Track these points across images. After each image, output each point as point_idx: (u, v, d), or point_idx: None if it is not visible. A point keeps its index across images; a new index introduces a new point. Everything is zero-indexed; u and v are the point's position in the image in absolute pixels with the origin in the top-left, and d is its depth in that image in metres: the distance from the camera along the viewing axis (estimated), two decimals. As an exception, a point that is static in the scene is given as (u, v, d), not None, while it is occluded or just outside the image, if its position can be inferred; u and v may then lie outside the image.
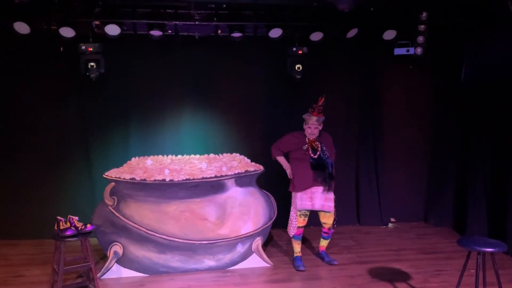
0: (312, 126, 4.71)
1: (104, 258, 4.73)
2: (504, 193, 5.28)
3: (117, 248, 4.53)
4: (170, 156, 5.08)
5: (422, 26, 5.59)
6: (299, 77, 5.76)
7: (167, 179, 4.51)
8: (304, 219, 4.82)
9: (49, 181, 5.69)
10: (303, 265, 4.87)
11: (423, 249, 5.45)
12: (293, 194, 4.86)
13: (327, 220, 4.85)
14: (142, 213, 4.55)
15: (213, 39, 5.65)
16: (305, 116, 4.77)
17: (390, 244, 5.65)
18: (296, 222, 4.79)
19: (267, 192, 5.03)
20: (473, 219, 5.73)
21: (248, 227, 4.80)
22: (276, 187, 5.35)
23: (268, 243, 5.44)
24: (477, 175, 5.74)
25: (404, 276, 4.62)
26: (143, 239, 4.56)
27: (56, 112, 5.68)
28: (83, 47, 5.19)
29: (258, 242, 4.89)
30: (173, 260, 4.68)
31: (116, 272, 4.58)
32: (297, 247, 4.96)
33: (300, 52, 5.66)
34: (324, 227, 4.94)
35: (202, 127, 5.99)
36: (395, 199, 6.50)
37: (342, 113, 6.28)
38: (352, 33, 5.65)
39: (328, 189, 4.74)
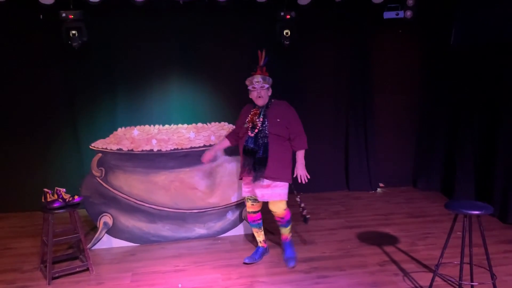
0: (257, 85, 3.81)
1: (95, 229, 4.73)
2: (492, 158, 5.32)
3: (106, 218, 4.52)
4: (157, 126, 5.02)
5: (412, -12, 5.51)
6: (287, 42, 5.65)
7: (155, 149, 4.47)
8: (252, 204, 4.09)
9: (36, 153, 5.62)
10: (251, 257, 4.14)
11: (411, 213, 5.52)
12: None
13: (273, 207, 3.96)
14: (130, 184, 4.52)
15: (198, 4, 5.49)
16: (248, 79, 3.89)
17: (379, 208, 5.72)
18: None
19: (256, 160, 5.00)
20: (460, 183, 5.79)
21: (237, 195, 4.81)
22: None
23: (259, 211, 5.47)
24: (466, 140, 5.77)
25: (392, 240, 4.70)
26: (133, 209, 4.56)
27: (40, 83, 5.54)
28: (64, 15, 5.03)
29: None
30: (164, 229, 4.70)
31: (107, 242, 4.59)
32: (256, 235, 4.24)
33: (288, 16, 5.54)
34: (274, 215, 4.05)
35: (189, 96, 5.89)
36: (384, 164, 6.54)
37: (332, 78, 6.23)
38: (341, -4, 5.54)
39: (259, 178, 3.81)
